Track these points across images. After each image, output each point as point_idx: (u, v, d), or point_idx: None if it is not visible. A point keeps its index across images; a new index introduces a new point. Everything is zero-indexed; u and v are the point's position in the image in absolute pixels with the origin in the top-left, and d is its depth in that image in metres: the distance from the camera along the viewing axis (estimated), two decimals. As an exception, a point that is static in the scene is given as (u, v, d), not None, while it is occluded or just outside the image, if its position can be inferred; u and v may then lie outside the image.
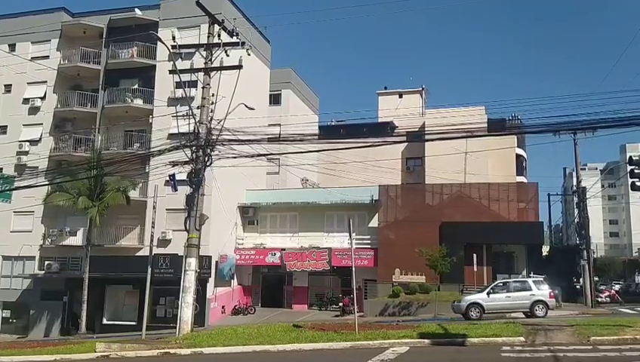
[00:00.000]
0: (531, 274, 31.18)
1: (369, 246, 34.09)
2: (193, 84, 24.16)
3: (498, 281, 25.16)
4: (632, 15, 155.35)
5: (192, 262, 17.51)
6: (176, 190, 20.39)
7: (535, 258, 33.45)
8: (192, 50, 20.77)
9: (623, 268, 69.10)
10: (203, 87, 18.50)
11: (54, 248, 34.19)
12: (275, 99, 43.17)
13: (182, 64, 19.25)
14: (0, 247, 35.11)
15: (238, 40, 18.52)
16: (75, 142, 35.20)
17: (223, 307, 33.29)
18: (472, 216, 32.34)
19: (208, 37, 18.72)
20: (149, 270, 21.95)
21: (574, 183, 34.52)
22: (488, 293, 23.27)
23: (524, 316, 22.09)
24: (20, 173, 33.05)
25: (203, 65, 18.61)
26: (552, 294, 22.80)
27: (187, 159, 17.90)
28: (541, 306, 22.13)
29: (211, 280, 31.90)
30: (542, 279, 24.45)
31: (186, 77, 21.17)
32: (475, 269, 28.46)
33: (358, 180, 35.10)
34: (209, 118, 18.05)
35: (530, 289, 22.83)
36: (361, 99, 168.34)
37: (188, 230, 17.71)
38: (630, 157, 15.83)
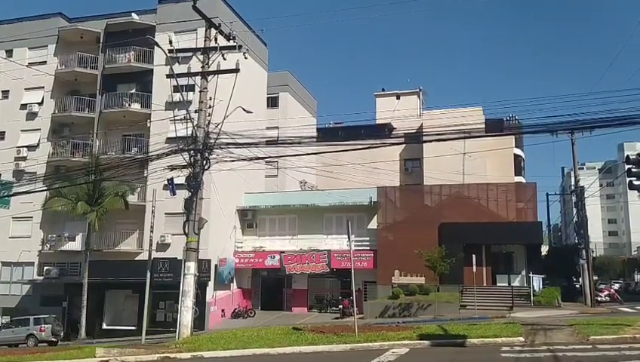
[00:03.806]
0: (531, 274, 31.28)
1: (368, 248, 34.11)
2: (191, 87, 24.27)
3: (11, 320, 30.63)
4: (630, 15, 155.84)
5: (192, 266, 17.48)
6: (174, 194, 20.34)
7: (534, 258, 33.50)
8: (189, 54, 20.73)
9: (622, 266, 69.27)
10: (200, 91, 18.47)
11: (53, 253, 34.11)
12: (272, 102, 43.25)
13: (179, 68, 19.18)
14: (-1, 253, 35.06)
15: (235, 43, 18.46)
16: (73, 147, 35.24)
17: (222, 310, 33.26)
18: (470, 217, 32.38)
19: (205, 41, 18.69)
20: (149, 274, 21.90)
21: (572, 183, 34.63)
22: (1, 328, 29.58)
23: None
24: (19, 179, 33.08)
25: (200, 69, 18.58)
26: (42, 329, 28.02)
27: (185, 163, 17.88)
28: (32, 338, 27.74)
29: (211, 283, 31.85)
30: (40, 318, 28.93)
31: (183, 81, 21.21)
32: (475, 270, 28.47)
33: (356, 182, 35.13)
34: (207, 122, 18.02)
35: (28, 326, 28.23)
36: (358, 101, 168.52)
37: (187, 234, 17.68)
38: (627, 156, 15.78)
